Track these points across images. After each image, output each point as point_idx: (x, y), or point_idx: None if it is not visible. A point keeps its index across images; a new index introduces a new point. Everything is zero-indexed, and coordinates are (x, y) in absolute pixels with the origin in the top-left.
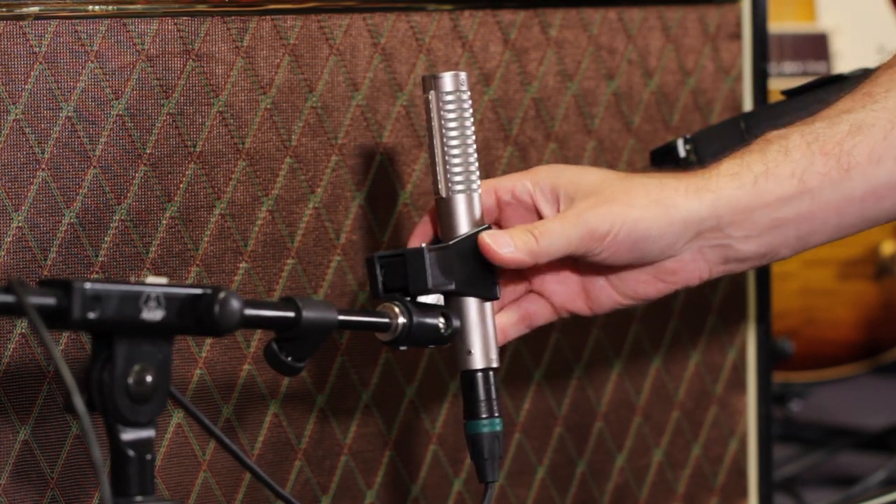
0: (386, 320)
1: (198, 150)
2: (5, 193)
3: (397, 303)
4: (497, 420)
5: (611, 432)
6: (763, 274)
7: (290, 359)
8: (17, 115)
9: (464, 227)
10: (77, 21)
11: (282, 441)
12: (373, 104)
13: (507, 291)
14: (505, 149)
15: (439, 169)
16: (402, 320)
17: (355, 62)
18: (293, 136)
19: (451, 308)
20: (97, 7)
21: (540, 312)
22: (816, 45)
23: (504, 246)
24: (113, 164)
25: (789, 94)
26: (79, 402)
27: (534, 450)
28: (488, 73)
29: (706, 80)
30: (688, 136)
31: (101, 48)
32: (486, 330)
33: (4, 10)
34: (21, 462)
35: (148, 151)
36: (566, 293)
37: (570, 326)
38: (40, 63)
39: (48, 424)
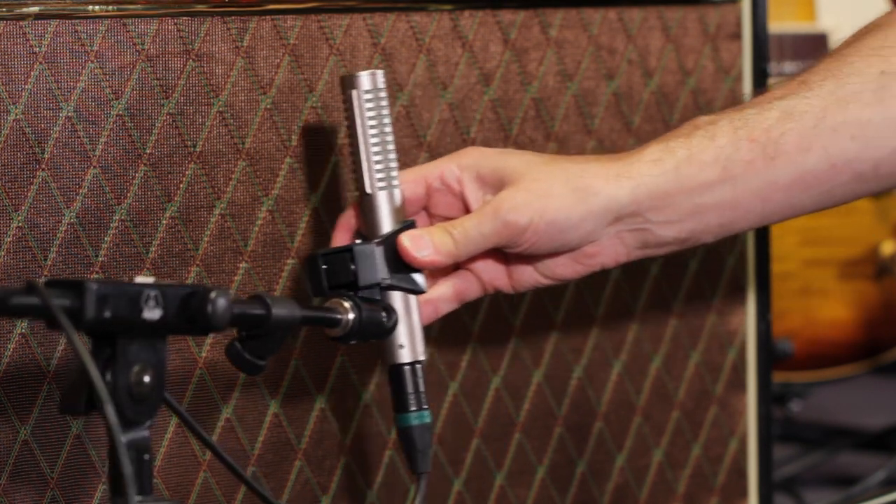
0: (339, 316)
1: (198, 150)
2: (5, 193)
3: (345, 298)
4: (426, 412)
5: (611, 432)
6: (763, 274)
7: (253, 357)
8: (17, 115)
9: (387, 222)
10: (77, 21)
11: (282, 441)
12: None
13: (441, 273)
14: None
15: (364, 166)
16: (352, 315)
17: (355, 62)
18: (293, 136)
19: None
20: (97, 7)
21: (470, 288)
22: (816, 45)
23: (423, 248)
24: (113, 164)
25: None
26: (110, 413)
27: (534, 450)
28: (488, 73)
29: (706, 80)
30: None
31: (101, 48)
32: (413, 323)
33: (4, 10)
34: (21, 462)
35: (148, 151)
36: (492, 271)
37: (571, 326)
38: (40, 63)
39: (48, 424)
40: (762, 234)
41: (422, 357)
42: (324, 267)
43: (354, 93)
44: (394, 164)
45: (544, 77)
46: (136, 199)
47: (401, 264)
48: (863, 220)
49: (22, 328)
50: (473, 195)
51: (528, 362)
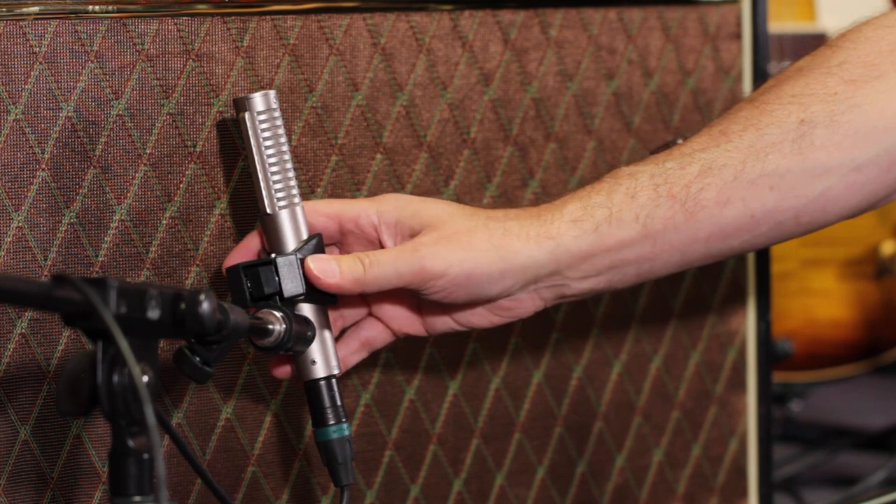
0: (271, 326)
1: (198, 150)
2: (5, 193)
3: (276, 309)
4: (345, 425)
5: (611, 432)
6: (763, 274)
7: (202, 363)
8: (17, 115)
9: (290, 240)
10: (77, 21)
11: (282, 441)
12: (373, 104)
13: (347, 314)
14: (505, 149)
15: (263, 187)
16: (284, 326)
17: (355, 62)
18: (293, 136)
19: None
20: (97, 7)
21: (379, 337)
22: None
23: (330, 275)
24: (113, 164)
25: None
26: (150, 414)
27: (534, 450)
28: (488, 73)
29: (706, 80)
30: (688, 136)
31: (101, 48)
32: (325, 338)
33: (4, 10)
34: (21, 462)
35: (148, 151)
36: (403, 318)
37: (571, 326)
38: (40, 63)
39: (48, 424)
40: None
41: (336, 371)
42: (246, 279)
43: (248, 115)
44: (293, 183)
45: (544, 77)
46: (136, 199)
47: None
48: (863, 220)
49: (22, 328)
50: (390, 241)
51: (528, 362)
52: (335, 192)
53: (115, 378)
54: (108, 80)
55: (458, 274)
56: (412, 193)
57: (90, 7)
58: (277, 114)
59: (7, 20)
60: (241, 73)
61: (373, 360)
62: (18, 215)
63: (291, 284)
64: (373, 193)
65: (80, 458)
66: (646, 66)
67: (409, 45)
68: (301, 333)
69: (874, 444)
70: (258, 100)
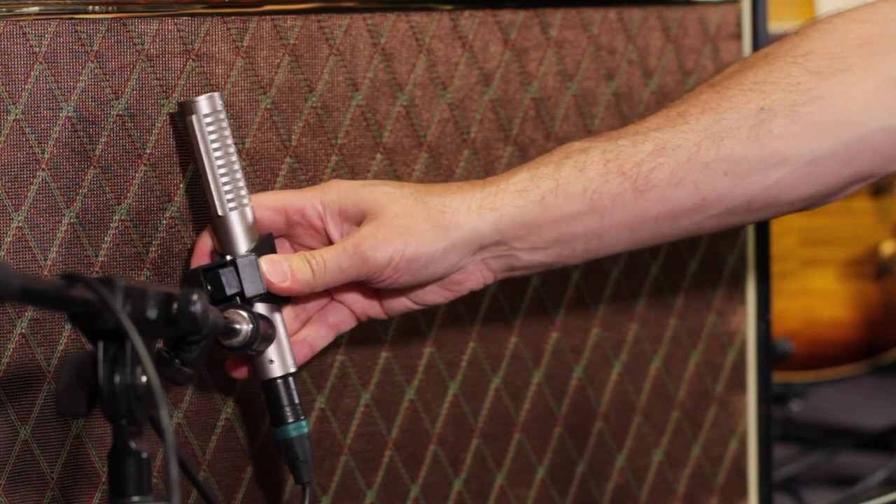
0: (238, 326)
1: None
2: (5, 193)
3: (242, 309)
4: (304, 422)
5: (611, 432)
6: (763, 274)
7: (182, 365)
8: (17, 115)
9: (242, 241)
10: (77, 21)
11: None
12: (373, 104)
13: (310, 306)
14: (505, 149)
15: (213, 189)
16: (251, 326)
17: (355, 62)
18: (293, 136)
19: None
20: (97, 7)
21: (344, 321)
22: None
23: (281, 280)
24: (113, 164)
25: None
26: (164, 415)
27: (534, 450)
28: (488, 73)
29: (706, 80)
30: None
31: (101, 48)
32: (280, 337)
33: (4, 10)
34: (21, 462)
35: (148, 151)
36: (363, 303)
37: (571, 326)
38: (40, 63)
39: (48, 424)
40: (762, 234)
41: (292, 369)
42: (206, 282)
43: (194, 118)
44: (242, 184)
45: (544, 77)
46: (136, 199)
47: None
48: (863, 220)
49: (22, 328)
50: (336, 230)
51: (528, 362)
52: None
53: (117, 378)
54: (108, 80)
55: (401, 260)
56: None
57: (90, 7)
58: (223, 116)
59: (7, 20)
60: (241, 73)
61: (373, 360)
62: (18, 215)
63: (252, 285)
64: None
65: (80, 458)
66: (646, 66)
67: (409, 45)
68: (265, 332)
69: (874, 444)
70: (203, 103)
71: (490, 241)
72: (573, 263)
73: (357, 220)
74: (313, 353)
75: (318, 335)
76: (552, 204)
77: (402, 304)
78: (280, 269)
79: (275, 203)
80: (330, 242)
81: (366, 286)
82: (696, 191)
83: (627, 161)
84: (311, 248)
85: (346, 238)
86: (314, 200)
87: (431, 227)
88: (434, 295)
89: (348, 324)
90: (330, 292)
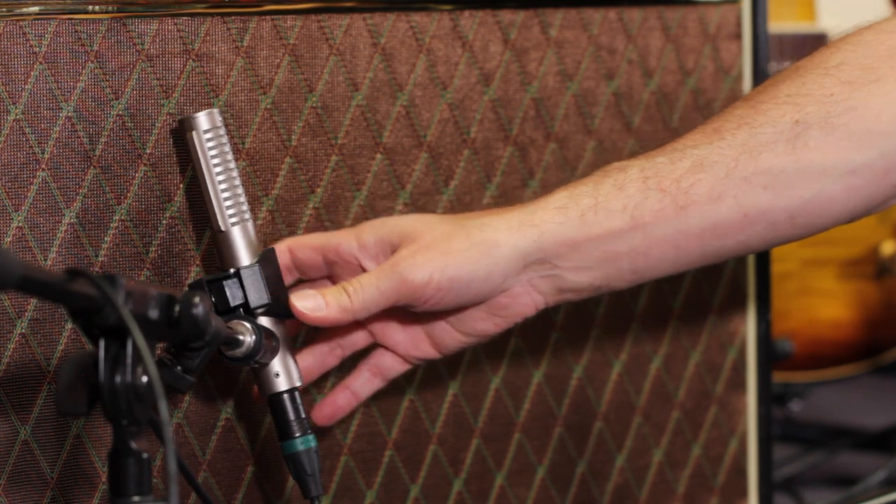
0: (242, 337)
1: None
2: (5, 193)
3: (245, 320)
4: (310, 436)
5: (611, 432)
6: (763, 274)
7: (184, 372)
8: (17, 115)
9: (244, 255)
10: (77, 21)
11: None
12: (373, 104)
13: (345, 343)
14: (505, 149)
15: (214, 204)
16: (254, 338)
17: (355, 62)
18: (293, 136)
19: None
20: (97, 7)
21: (391, 366)
22: (816, 45)
23: (318, 310)
24: (113, 164)
25: None
26: (164, 409)
27: (534, 450)
28: (488, 73)
29: (706, 80)
30: None
31: (101, 48)
32: (286, 351)
33: (4, 10)
34: (21, 462)
35: (148, 151)
36: (410, 341)
37: (570, 326)
38: (40, 63)
39: (48, 424)
40: None
41: (298, 383)
42: (210, 293)
43: (194, 134)
44: (243, 199)
45: (544, 77)
46: (136, 199)
47: (273, 289)
48: (863, 220)
49: (22, 328)
50: (372, 263)
51: (528, 362)
52: (335, 192)
53: (118, 378)
54: (108, 80)
55: (441, 279)
56: (412, 193)
57: (90, 7)
58: (223, 131)
59: (7, 20)
60: (241, 73)
61: None
62: (18, 215)
63: (256, 295)
64: (373, 193)
65: (80, 458)
66: (646, 66)
67: (409, 45)
68: (268, 344)
69: (874, 444)
70: (203, 119)
71: (533, 259)
72: (622, 287)
73: (393, 248)
74: (357, 402)
75: (362, 382)
76: (593, 221)
77: (452, 337)
78: (315, 300)
79: (312, 243)
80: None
81: (409, 321)
82: (736, 206)
83: (666, 178)
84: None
85: (383, 262)
86: (349, 237)
87: (472, 246)
88: (484, 322)
89: (396, 369)
90: (370, 333)
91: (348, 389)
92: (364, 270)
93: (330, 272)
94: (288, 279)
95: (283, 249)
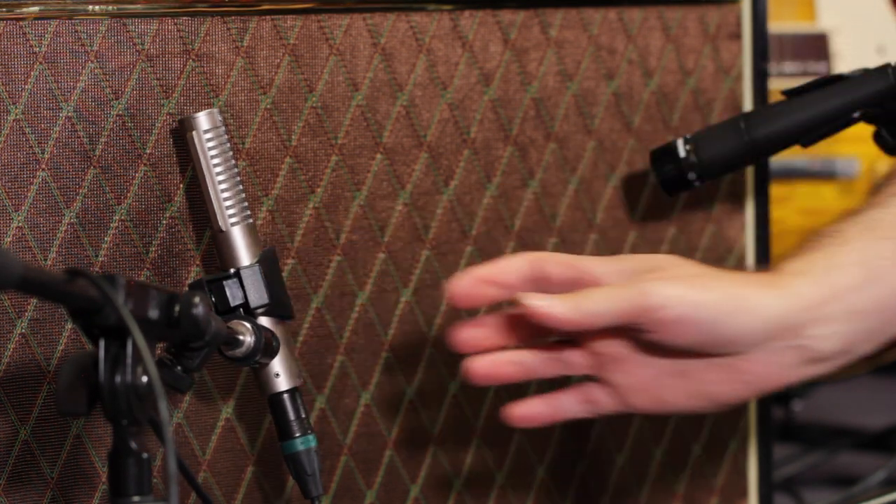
0: (242, 337)
1: None
2: (5, 193)
3: (245, 320)
4: (311, 436)
5: (611, 432)
6: None
7: (183, 372)
8: (17, 115)
9: (245, 255)
10: (77, 21)
11: None
12: (373, 104)
13: (569, 360)
14: (505, 149)
15: (215, 204)
16: (254, 338)
17: (355, 62)
18: (293, 136)
19: None
20: (97, 7)
21: (604, 401)
22: (816, 45)
23: (543, 305)
24: (113, 164)
25: (789, 94)
26: (164, 409)
27: (534, 450)
28: (488, 73)
29: (706, 80)
30: (688, 136)
31: (101, 48)
32: (287, 351)
33: (4, 10)
34: (21, 462)
35: (148, 151)
36: (631, 384)
37: None
38: (40, 63)
39: (48, 424)
40: (762, 235)
41: (298, 383)
42: (210, 293)
43: (194, 134)
44: (243, 198)
45: (544, 77)
46: (136, 199)
47: (273, 289)
48: None
49: (22, 328)
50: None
51: None
52: (335, 192)
53: (118, 378)
54: (108, 80)
55: (680, 305)
56: (412, 193)
57: (90, 7)
58: (223, 130)
59: (7, 20)
60: (241, 73)
61: (373, 360)
62: (18, 215)
63: (256, 295)
64: (373, 193)
65: (80, 458)
66: (646, 66)
67: (409, 45)
68: (269, 344)
69: (874, 444)
70: (203, 119)
71: (777, 325)
72: (865, 352)
73: (635, 273)
74: (554, 417)
75: (570, 400)
76: (835, 279)
77: (678, 394)
78: (542, 298)
79: (568, 259)
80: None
81: (638, 368)
82: None
83: (884, 226)
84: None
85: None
86: (607, 262)
87: (721, 287)
88: (719, 385)
89: (608, 406)
90: (595, 363)
91: (553, 403)
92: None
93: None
94: (527, 287)
95: (524, 262)
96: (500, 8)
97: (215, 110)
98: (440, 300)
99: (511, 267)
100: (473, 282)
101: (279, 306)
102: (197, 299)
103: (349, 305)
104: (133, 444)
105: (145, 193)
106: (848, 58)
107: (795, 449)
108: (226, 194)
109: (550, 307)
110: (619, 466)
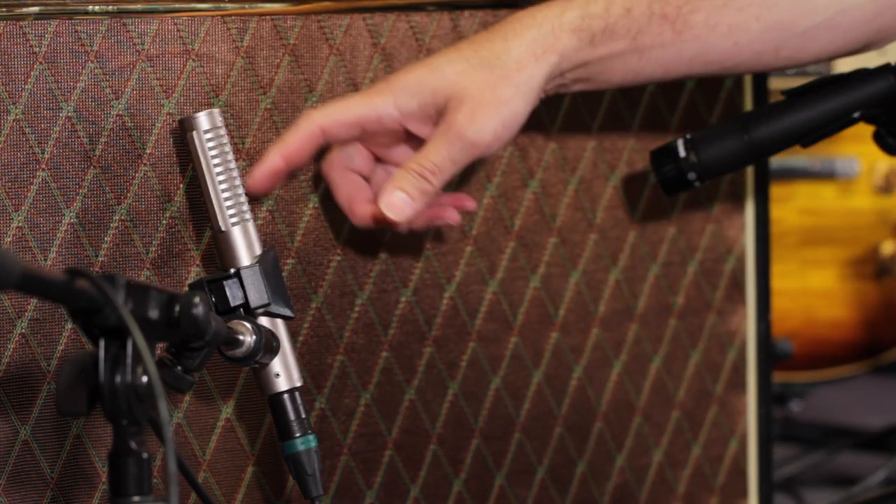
0: (242, 337)
1: None
2: (5, 193)
3: (245, 320)
4: (311, 436)
5: (611, 432)
6: (763, 274)
7: (184, 372)
8: (17, 115)
9: (245, 255)
10: (77, 21)
11: None
12: None
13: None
14: (505, 149)
15: (215, 204)
16: (254, 338)
17: (355, 62)
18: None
19: None
20: (97, 7)
21: (363, 164)
22: None
23: (407, 208)
24: (113, 164)
25: (789, 94)
26: (163, 409)
27: (534, 450)
28: None
29: (706, 81)
30: (688, 136)
31: (101, 48)
32: (286, 350)
33: (4, 10)
34: (21, 462)
35: (148, 151)
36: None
37: (571, 326)
38: (40, 63)
39: (48, 424)
40: (762, 235)
41: (298, 383)
42: (210, 293)
43: (195, 134)
44: (243, 199)
45: None
46: (136, 199)
47: (272, 289)
48: (863, 220)
49: (22, 328)
50: (422, 127)
51: (528, 362)
52: None
53: (118, 378)
54: (108, 80)
55: (502, 133)
56: None
57: (90, 7)
58: (223, 131)
59: (7, 20)
60: (241, 73)
61: (373, 360)
62: (18, 215)
63: (256, 295)
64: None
65: (80, 458)
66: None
67: (409, 45)
68: (269, 344)
69: (874, 444)
70: (203, 119)
71: (550, 83)
72: (601, 88)
73: (439, 107)
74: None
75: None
76: (600, 43)
77: None
78: (398, 198)
79: (349, 118)
80: (410, 139)
81: (414, 146)
82: (729, 34)
83: (670, 4)
84: (387, 149)
85: (442, 130)
86: (388, 108)
87: (515, 90)
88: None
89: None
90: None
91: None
92: (410, 133)
93: (364, 139)
94: (311, 151)
95: (313, 130)
96: (500, 8)
97: (216, 110)
98: (440, 300)
99: (299, 152)
100: (269, 175)
101: (279, 306)
102: (197, 299)
103: (349, 305)
104: (133, 444)
105: (145, 193)
106: (848, 58)
107: (795, 449)
108: (226, 194)
109: (412, 210)
110: (619, 466)
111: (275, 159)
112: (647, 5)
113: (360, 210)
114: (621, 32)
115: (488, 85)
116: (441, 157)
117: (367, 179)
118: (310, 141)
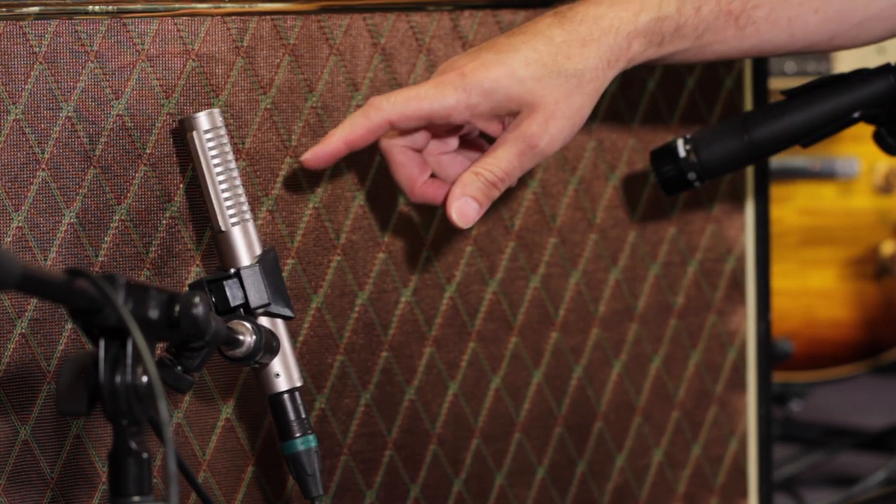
0: (242, 337)
1: None
2: (5, 193)
3: (245, 320)
4: (311, 437)
5: (611, 432)
6: (763, 274)
7: (184, 372)
8: (17, 115)
9: (245, 255)
10: (77, 21)
11: None
12: None
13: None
14: None
15: (215, 204)
16: (254, 338)
17: (355, 62)
18: (293, 136)
19: None
20: (97, 7)
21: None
22: None
23: (474, 216)
24: (113, 164)
25: (789, 94)
26: (163, 409)
27: (534, 450)
28: None
29: (706, 80)
30: (688, 136)
31: (101, 48)
32: (286, 350)
33: (4, 10)
34: (21, 462)
35: (148, 151)
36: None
37: (571, 326)
38: (40, 63)
39: (48, 424)
40: (762, 235)
41: (298, 383)
42: (210, 293)
43: (195, 134)
44: (243, 199)
45: None
46: (136, 199)
47: (272, 289)
48: (863, 220)
49: (22, 328)
50: (492, 127)
51: (528, 362)
52: (335, 191)
53: (118, 378)
54: (108, 80)
55: (569, 138)
56: None
57: (90, 7)
58: (223, 132)
59: (7, 20)
60: (241, 73)
61: (373, 360)
62: (18, 215)
63: (256, 295)
64: (372, 192)
65: (80, 458)
66: (645, 66)
67: (409, 45)
68: (269, 344)
69: (874, 444)
70: (203, 119)
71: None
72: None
73: (511, 111)
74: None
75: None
76: (668, 43)
77: None
78: (467, 205)
79: (419, 113)
80: (472, 135)
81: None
82: (787, 27)
83: (735, 0)
84: (446, 141)
85: (515, 137)
86: (460, 106)
87: (587, 98)
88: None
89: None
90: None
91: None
92: (480, 130)
93: (431, 130)
94: (374, 139)
95: (381, 123)
96: (500, 8)
97: (216, 110)
98: (440, 300)
99: (363, 139)
100: (329, 157)
101: (279, 306)
102: (197, 299)
103: (349, 305)
104: (133, 444)
105: (145, 193)
106: (848, 58)
107: (795, 449)
108: (226, 194)
109: (475, 215)
110: (619, 466)
111: (338, 144)
112: (716, 2)
113: (419, 192)
114: (689, 32)
115: (563, 95)
116: (511, 165)
117: (418, 151)
118: (376, 131)
